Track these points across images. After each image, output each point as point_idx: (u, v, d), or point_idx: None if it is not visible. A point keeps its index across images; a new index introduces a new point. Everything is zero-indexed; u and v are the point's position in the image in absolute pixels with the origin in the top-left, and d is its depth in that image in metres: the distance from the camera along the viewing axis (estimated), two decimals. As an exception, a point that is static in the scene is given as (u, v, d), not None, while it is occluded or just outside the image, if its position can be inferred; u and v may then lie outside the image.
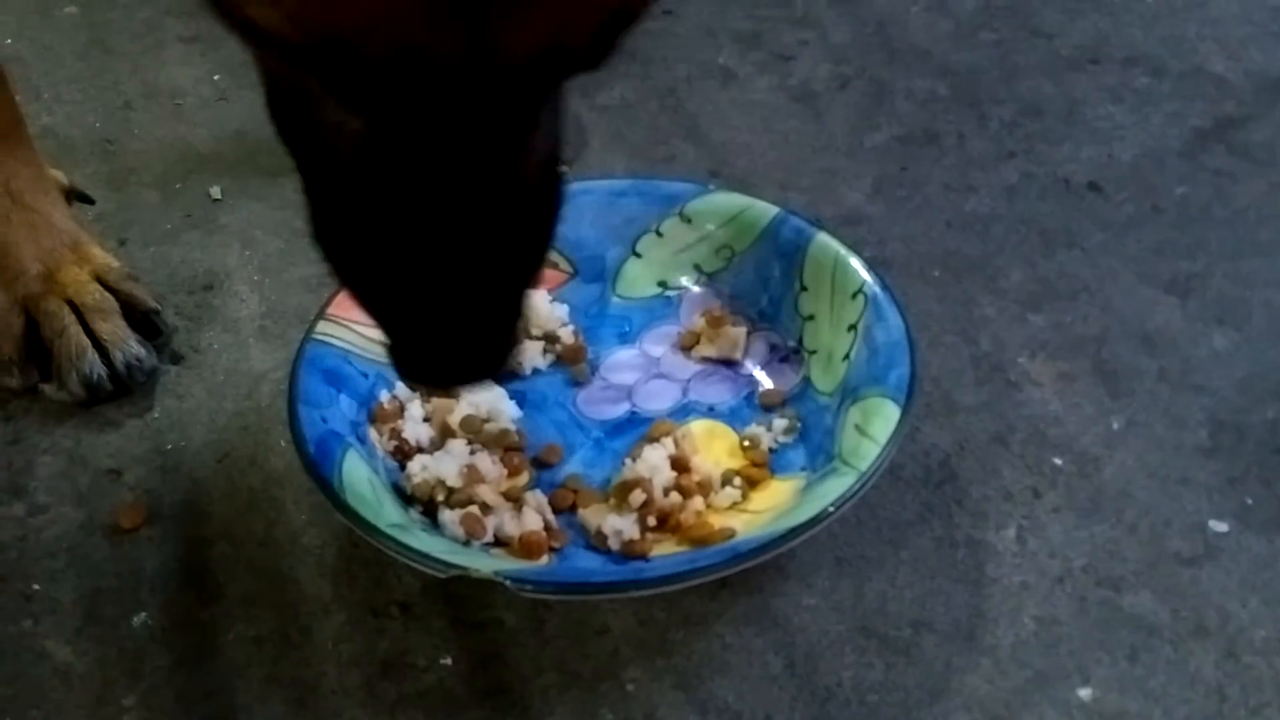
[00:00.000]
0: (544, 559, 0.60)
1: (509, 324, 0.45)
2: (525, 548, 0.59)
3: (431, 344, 0.44)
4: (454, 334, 0.44)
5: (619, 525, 0.60)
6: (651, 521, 0.60)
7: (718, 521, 0.61)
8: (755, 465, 0.64)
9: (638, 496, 0.60)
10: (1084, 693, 0.57)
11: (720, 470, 0.64)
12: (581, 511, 0.62)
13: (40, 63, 1.01)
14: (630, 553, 0.60)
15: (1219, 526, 0.64)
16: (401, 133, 0.38)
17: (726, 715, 0.56)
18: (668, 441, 0.64)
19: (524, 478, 0.64)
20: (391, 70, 0.35)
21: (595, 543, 0.61)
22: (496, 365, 0.46)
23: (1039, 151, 0.89)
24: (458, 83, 0.36)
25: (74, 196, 0.80)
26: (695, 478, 0.62)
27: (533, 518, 0.61)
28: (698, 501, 0.61)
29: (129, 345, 0.71)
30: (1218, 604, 0.60)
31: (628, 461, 0.63)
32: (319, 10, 0.34)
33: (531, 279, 0.45)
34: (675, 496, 0.61)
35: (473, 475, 0.62)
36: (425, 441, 0.65)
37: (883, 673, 0.57)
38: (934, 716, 0.56)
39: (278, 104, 0.44)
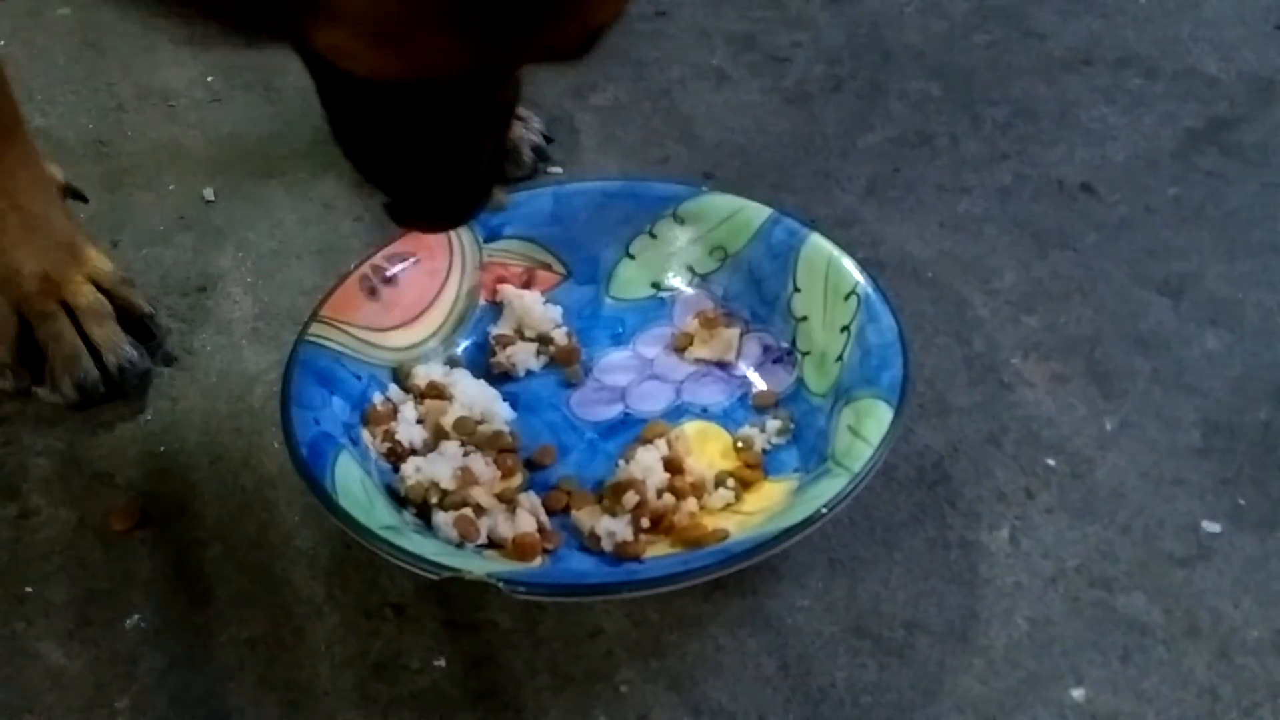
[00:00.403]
0: (537, 560, 0.60)
1: (485, 179, 0.58)
2: (519, 549, 0.59)
3: (430, 193, 0.58)
4: (446, 184, 0.57)
5: (612, 527, 0.60)
6: (645, 523, 0.60)
7: (711, 523, 0.61)
8: (749, 466, 0.64)
9: (631, 498, 0.60)
10: (1077, 693, 0.57)
11: (714, 471, 0.64)
12: (575, 513, 0.62)
13: (33, 64, 1.01)
14: (624, 554, 0.60)
15: (1212, 527, 0.64)
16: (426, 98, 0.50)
17: (720, 717, 0.56)
18: (661, 443, 0.64)
19: (517, 479, 0.64)
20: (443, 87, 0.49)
21: (589, 544, 0.61)
22: (477, 206, 0.60)
23: (1032, 153, 0.89)
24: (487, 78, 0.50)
25: (68, 193, 0.79)
26: (689, 479, 0.62)
27: (526, 519, 0.61)
28: (691, 503, 0.61)
29: (122, 349, 0.71)
30: (1210, 604, 0.60)
31: (621, 463, 0.63)
32: (412, 70, 0.44)
33: (499, 149, 0.59)
34: (669, 498, 0.61)
35: (466, 477, 0.62)
36: (419, 443, 0.65)
37: (876, 673, 0.57)
38: (927, 717, 0.56)
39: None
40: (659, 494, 0.61)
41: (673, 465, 0.63)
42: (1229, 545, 0.63)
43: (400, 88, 0.47)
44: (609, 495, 0.62)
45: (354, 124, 0.55)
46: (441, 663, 0.58)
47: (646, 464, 0.62)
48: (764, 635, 0.59)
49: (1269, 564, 0.62)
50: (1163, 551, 0.63)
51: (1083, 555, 0.62)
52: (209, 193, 0.87)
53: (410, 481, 0.62)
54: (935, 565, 0.62)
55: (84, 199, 0.80)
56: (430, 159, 0.55)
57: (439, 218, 0.61)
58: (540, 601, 0.59)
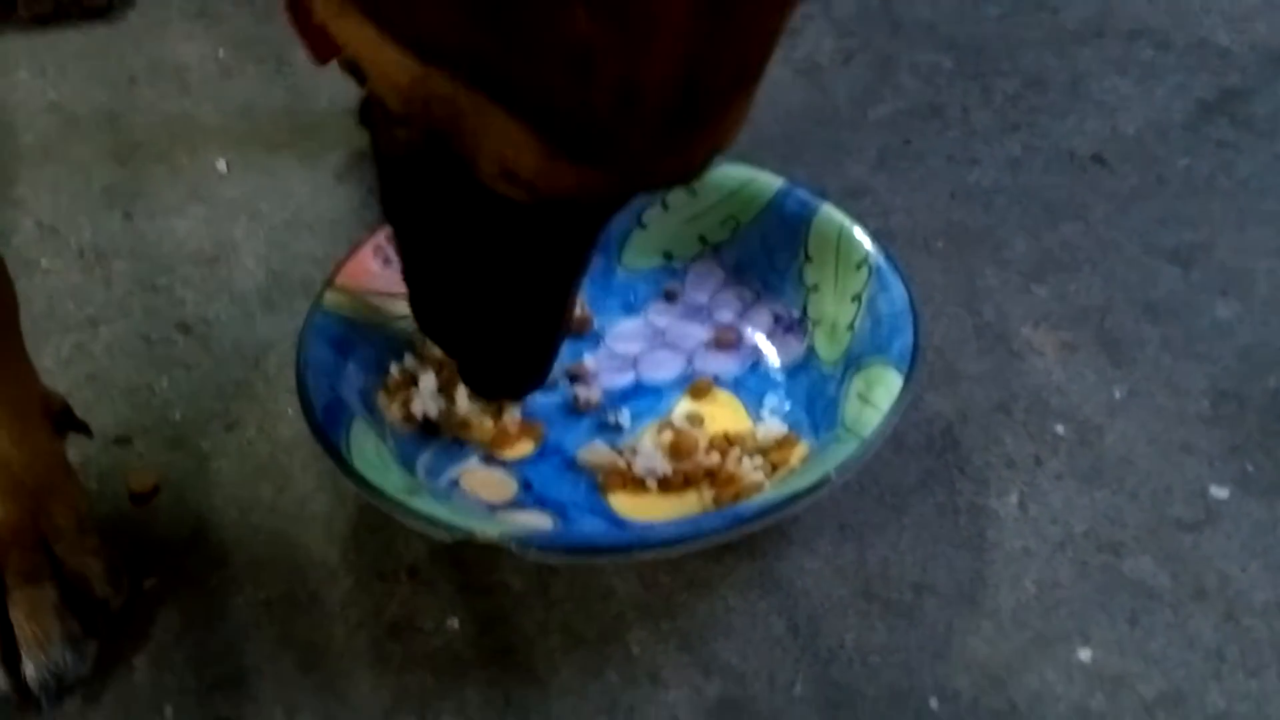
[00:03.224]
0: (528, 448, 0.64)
1: (553, 350, 0.58)
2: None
3: (494, 366, 0.58)
4: (520, 360, 0.57)
5: (652, 464, 0.62)
6: (688, 467, 0.63)
7: (745, 477, 0.62)
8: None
9: (679, 440, 0.63)
10: (1084, 654, 0.57)
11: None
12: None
13: (45, 38, 1.01)
14: (666, 489, 0.62)
15: (1220, 493, 0.64)
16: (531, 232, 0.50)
17: (730, 677, 0.57)
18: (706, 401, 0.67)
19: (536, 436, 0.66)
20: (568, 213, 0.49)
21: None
22: (538, 382, 0.59)
23: (1043, 124, 0.90)
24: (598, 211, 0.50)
25: (66, 424, 0.64)
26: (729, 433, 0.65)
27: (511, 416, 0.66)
28: (735, 452, 0.63)
29: (52, 649, 0.55)
30: (1218, 568, 0.60)
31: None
32: (557, 196, 0.45)
33: (570, 317, 0.57)
34: (715, 456, 0.63)
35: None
36: (434, 414, 0.65)
37: (885, 635, 0.58)
38: (935, 678, 0.56)
39: (407, 197, 0.53)
40: (706, 450, 0.63)
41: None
42: (1237, 510, 0.63)
43: (553, 204, 0.47)
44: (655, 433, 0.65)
45: (443, 267, 0.54)
46: (455, 624, 0.59)
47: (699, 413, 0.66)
48: (774, 597, 0.60)
49: (1276, 529, 0.62)
50: (1170, 516, 0.63)
51: (1091, 520, 0.63)
52: (221, 165, 0.88)
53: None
54: (944, 530, 0.62)
55: (87, 433, 0.65)
56: (519, 299, 0.54)
57: (514, 381, 0.59)
58: (552, 563, 0.60)
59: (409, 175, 0.51)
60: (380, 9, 0.42)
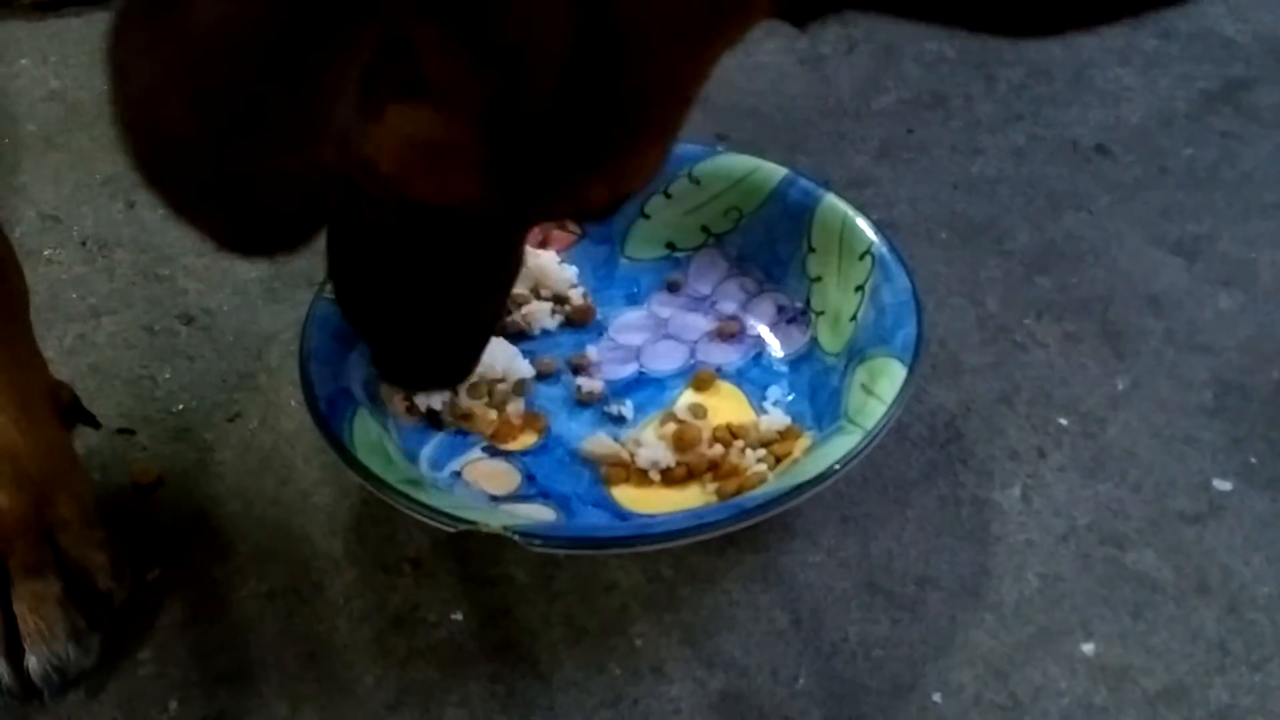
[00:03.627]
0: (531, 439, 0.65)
1: (470, 352, 0.58)
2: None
3: (427, 345, 0.57)
4: (445, 337, 0.57)
5: (656, 455, 0.62)
6: (691, 459, 0.63)
7: (749, 469, 0.62)
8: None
9: (683, 432, 0.63)
10: (1087, 648, 0.57)
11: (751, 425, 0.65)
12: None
13: (46, 27, 1.01)
14: (670, 481, 0.62)
15: (1223, 485, 0.64)
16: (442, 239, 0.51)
17: (733, 670, 0.57)
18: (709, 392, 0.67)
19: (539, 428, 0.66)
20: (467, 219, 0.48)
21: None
22: (462, 376, 0.60)
23: (1046, 114, 0.89)
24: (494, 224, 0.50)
25: (75, 416, 0.64)
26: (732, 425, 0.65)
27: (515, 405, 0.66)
28: (739, 444, 0.63)
29: (55, 643, 0.55)
30: (1221, 561, 0.61)
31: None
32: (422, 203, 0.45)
33: (494, 323, 0.58)
34: (718, 447, 0.63)
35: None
36: (437, 405, 0.65)
37: (888, 628, 0.58)
38: (939, 671, 0.56)
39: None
40: (710, 441, 0.64)
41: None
42: (1239, 503, 0.63)
43: (430, 212, 0.46)
44: (658, 424, 0.65)
45: (362, 261, 0.54)
46: (459, 616, 0.59)
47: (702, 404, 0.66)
48: (777, 590, 0.60)
49: (1279, 522, 0.62)
50: (1173, 509, 0.63)
51: (1094, 513, 0.63)
52: (224, 154, 0.87)
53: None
54: (947, 522, 0.63)
55: (95, 425, 0.66)
56: (436, 303, 0.54)
57: (430, 376, 0.60)
58: (556, 555, 0.60)
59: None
60: None
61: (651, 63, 0.41)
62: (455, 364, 0.58)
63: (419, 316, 0.55)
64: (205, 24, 0.32)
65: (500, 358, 0.66)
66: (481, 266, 0.53)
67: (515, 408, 0.66)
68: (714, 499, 0.61)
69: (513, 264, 0.56)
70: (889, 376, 0.60)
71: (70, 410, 0.63)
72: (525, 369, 0.67)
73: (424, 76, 0.38)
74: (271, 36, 0.32)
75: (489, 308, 0.56)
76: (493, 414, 0.65)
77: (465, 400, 0.65)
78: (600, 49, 0.39)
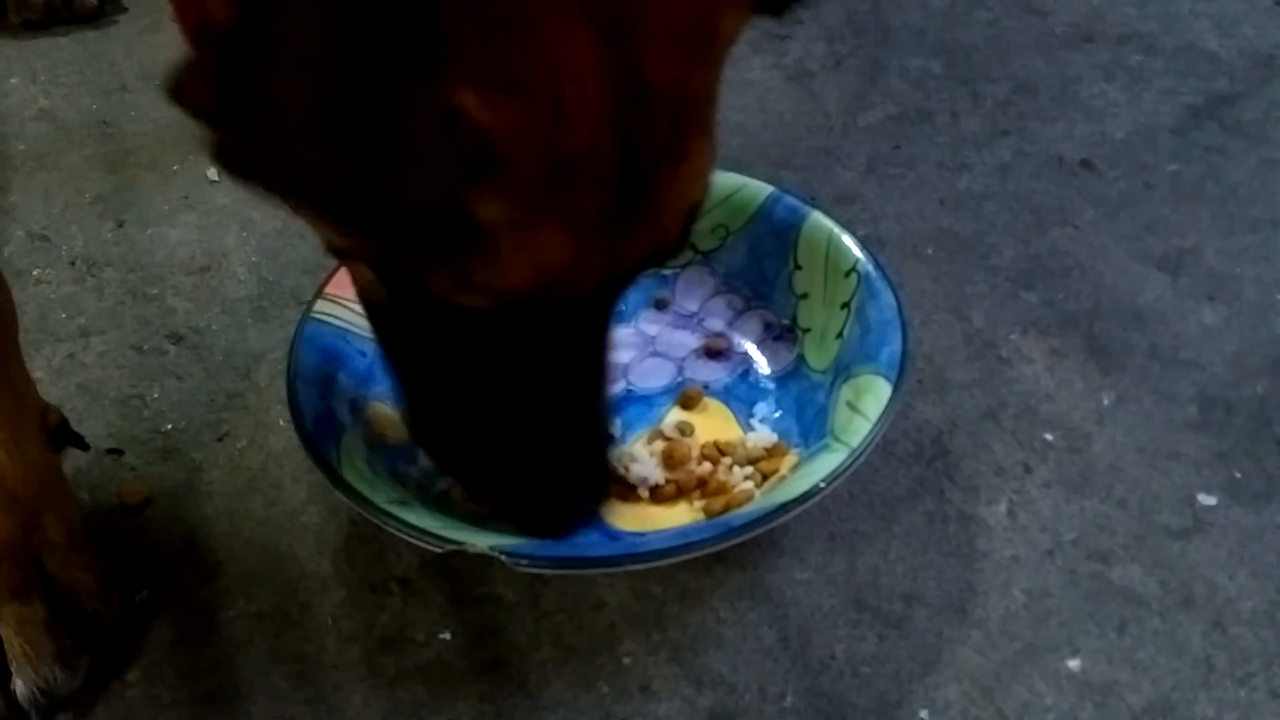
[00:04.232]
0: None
1: (605, 469, 0.58)
2: None
3: (554, 502, 0.56)
4: (570, 489, 0.56)
5: (645, 473, 0.62)
6: (680, 476, 0.63)
7: (736, 486, 0.62)
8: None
9: (672, 450, 0.64)
10: (1073, 664, 0.57)
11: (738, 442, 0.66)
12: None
13: (36, 46, 1.01)
14: (659, 499, 0.63)
15: (1207, 500, 0.64)
16: (528, 343, 0.48)
17: (721, 688, 0.57)
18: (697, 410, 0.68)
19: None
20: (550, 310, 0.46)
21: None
22: (600, 500, 0.59)
23: (1032, 129, 0.90)
24: (591, 300, 0.48)
25: (63, 438, 0.64)
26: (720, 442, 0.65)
27: None
28: (726, 461, 0.64)
29: (43, 665, 0.55)
30: (1206, 576, 0.61)
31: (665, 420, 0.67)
32: (523, 291, 0.44)
33: (609, 426, 0.57)
34: (706, 465, 0.64)
35: None
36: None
37: (875, 645, 0.58)
38: (926, 688, 0.57)
39: (397, 334, 0.53)
40: (699, 459, 0.64)
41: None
42: (1224, 518, 0.63)
43: (531, 310, 0.45)
44: (647, 441, 0.66)
45: (464, 409, 0.52)
46: (447, 636, 0.59)
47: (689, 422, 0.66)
48: (764, 608, 0.60)
49: (1264, 536, 0.62)
50: (1159, 524, 0.63)
51: (1080, 528, 0.63)
52: (213, 173, 0.88)
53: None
54: (934, 539, 0.63)
55: (84, 447, 0.66)
56: (557, 420, 0.51)
57: (572, 504, 0.57)
58: (543, 574, 0.60)
59: (394, 316, 0.51)
60: (281, 186, 0.42)
61: (673, 75, 0.42)
62: (595, 484, 0.56)
63: (541, 441, 0.52)
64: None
65: None
66: (578, 361, 0.51)
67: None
68: (701, 516, 0.62)
69: (608, 350, 0.52)
70: (874, 394, 0.61)
71: (58, 432, 0.63)
72: None
73: (492, 149, 0.39)
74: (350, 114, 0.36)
75: (603, 403, 0.53)
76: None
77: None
78: (626, 76, 0.40)
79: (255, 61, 0.37)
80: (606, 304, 0.50)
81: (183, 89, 0.39)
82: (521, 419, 0.52)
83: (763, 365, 0.70)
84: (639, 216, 0.45)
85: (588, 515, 0.58)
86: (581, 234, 0.43)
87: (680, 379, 0.70)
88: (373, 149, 0.37)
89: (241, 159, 0.39)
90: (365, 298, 0.53)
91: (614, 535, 0.61)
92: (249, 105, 0.37)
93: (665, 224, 0.47)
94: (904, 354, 0.62)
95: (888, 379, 0.61)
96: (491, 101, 0.38)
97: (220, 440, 0.69)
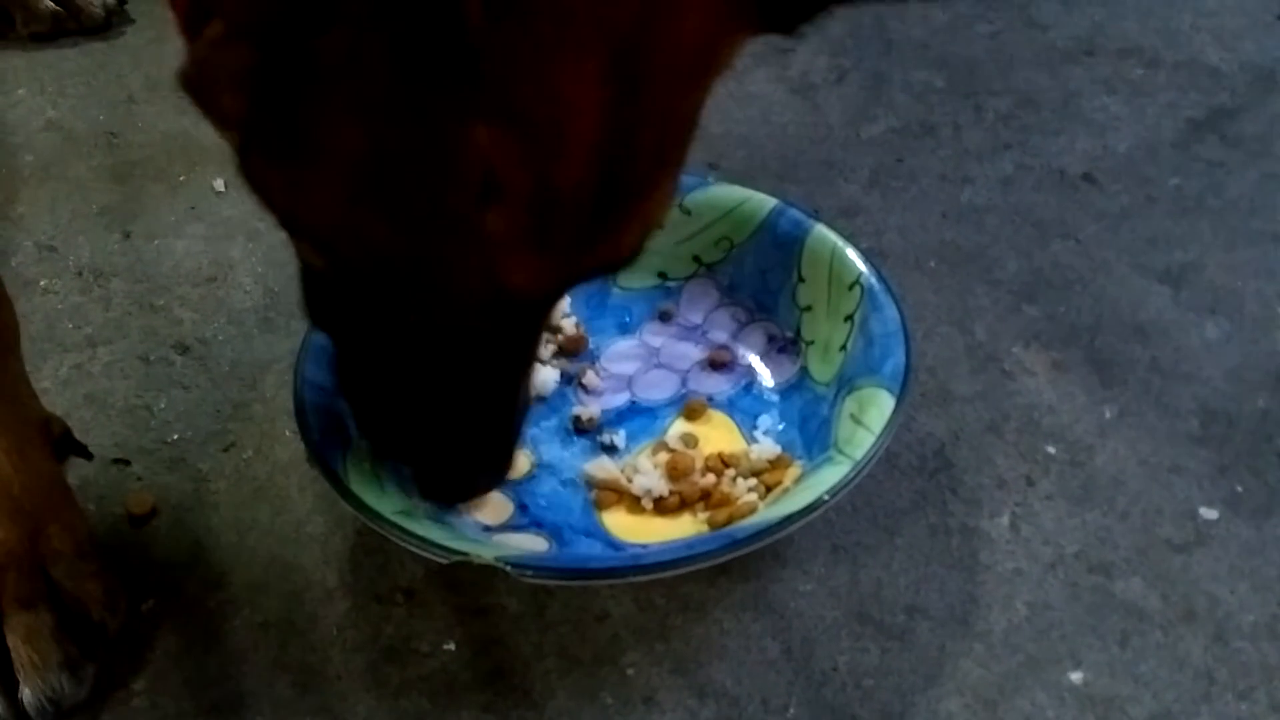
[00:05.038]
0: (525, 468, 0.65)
1: (511, 446, 0.57)
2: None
3: (452, 470, 0.57)
4: (470, 460, 0.56)
5: (649, 484, 0.63)
6: (683, 488, 0.63)
7: (739, 498, 0.62)
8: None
9: (676, 461, 0.64)
10: (1075, 677, 0.58)
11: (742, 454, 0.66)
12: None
13: (44, 57, 1.02)
14: (662, 511, 0.63)
15: (1209, 514, 0.65)
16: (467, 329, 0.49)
17: (724, 699, 0.57)
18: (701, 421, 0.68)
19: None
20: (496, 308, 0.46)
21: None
22: (499, 479, 0.59)
23: (1034, 143, 0.90)
24: (536, 302, 0.49)
25: (67, 448, 0.64)
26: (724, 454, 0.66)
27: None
28: (730, 473, 0.64)
29: (49, 674, 0.55)
30: (1207, 590, 0.61)
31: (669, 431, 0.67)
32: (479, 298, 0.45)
33: (520, 420, 0.57)
34: (710, 476, 0.64)
35: None
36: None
37: (878, 657, 0.59)
38: (928, 700, 0.57)
39: (330, 301, 0.52)
40: (703, 471, 0.64)
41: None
42: (1226, 531, 0.64)
43: (478, 304, 0.46)
44: (651, 452, 0.66)
45: (391, 381, 0.53)
46: (451, 646, 0.59)
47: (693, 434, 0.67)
48: (767, 619, 0.60)
49: (1265, 550, 0.63)
50: (1161, 538, 0.64)
51: (1082, 541, 0.63)
52: (219, 184, 0.88)
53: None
54: (936, 551, 0.63)
55: (88, 456, 0.66)
56: (475, 401, 0.53)
57: (474, 480, 0.58)
58: (548, 585, 0.61)
59: (335, 290, 0.50)
60: (277, 200, 0.43)
61: (665, 106, 0.42)
62: (498, 462, 0.57)
63: (454, 421, 0.54)
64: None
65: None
66: (515, 349, 0.53)
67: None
68: (705, 528, 0.62)
69: (539, 339, 0.55)
70: (877, 406, 0.61)
71: (62, 442, 0.63)
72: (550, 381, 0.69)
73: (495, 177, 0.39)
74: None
75: (521, 391, 0.55)
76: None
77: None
78: (624, 109, 0.40)
79: (299, 84, 0.37)
80: (549, 304, 0.51)
81: (204, 87, 0.38)
82: (445, 391, 0.52)
83: (766, 378, 0.70)
84: (602, 238, 0.45)
85: (485, 488, 0.60)
86: (548, 255, 0.44)
87: (684, 391, 0.70)
88: (413, 202, 0.39)
89: (260, 175, 0.39)
90: (304, 263, 0.52)
91: (618, 546, 0.62)
92: (286, 130, 0.38)
93: (626, 243, 0.47)
94: (907, 367, 0.62)
95: (891, 391, 0.61)
96: (502, 135, 0.38)
97: (226, 450, 0.69)
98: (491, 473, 0.58)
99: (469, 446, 0.55)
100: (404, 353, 0.51)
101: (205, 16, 0.40)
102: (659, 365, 0.72)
